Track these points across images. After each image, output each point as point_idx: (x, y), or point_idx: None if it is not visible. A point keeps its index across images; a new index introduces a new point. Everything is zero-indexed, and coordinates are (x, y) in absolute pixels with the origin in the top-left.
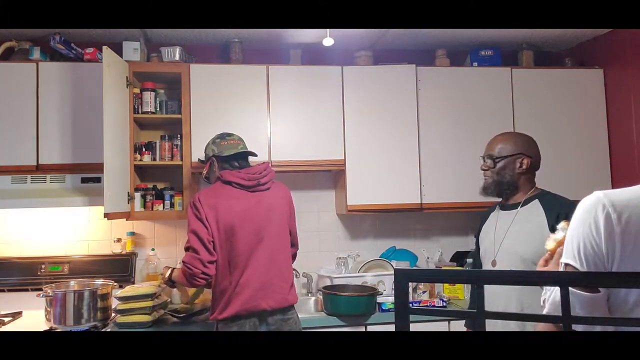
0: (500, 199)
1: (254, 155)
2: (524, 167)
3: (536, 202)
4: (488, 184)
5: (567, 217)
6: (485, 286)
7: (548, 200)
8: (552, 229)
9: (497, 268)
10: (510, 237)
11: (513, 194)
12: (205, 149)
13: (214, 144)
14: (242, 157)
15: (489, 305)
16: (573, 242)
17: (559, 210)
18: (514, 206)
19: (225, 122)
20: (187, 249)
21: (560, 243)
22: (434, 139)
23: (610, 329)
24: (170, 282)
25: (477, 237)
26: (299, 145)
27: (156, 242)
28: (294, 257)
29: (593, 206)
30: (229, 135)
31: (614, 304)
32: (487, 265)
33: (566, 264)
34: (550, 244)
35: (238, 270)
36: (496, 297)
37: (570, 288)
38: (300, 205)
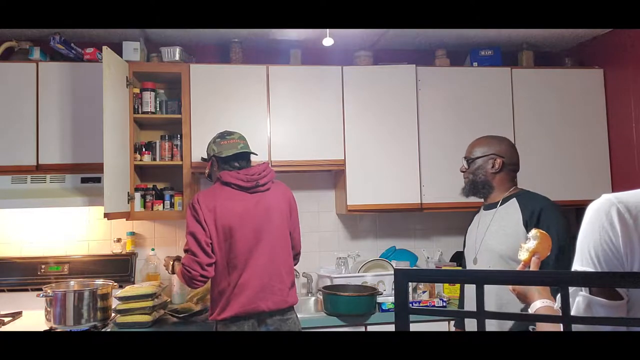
0: (481, 200)
1: (254, 154)
2: (497, 166)
3: (514, 200)
4: (465, 184)
5: (540, 213)
6: (466, 284)
7: (524, 197)
8: (526, 224)
9: (477, 266)
10: (490, 235)
11: (490, 193)
12: (207, 148)
13: (215, 144)
14: (243, 157)
15: (470, 303)
16: (590, 249)
17: (532, 205)
18: (494, 205)
19: (225, 122)
20: (186, 251)
21: (534, 252)
22: (434, 139)
23: (622, 329)
24: (172, 272)
25: (464, 237)
26: (299, 145)
27: (156, 242)
28: (295, 259)
29: (604, 209)
30: (230, 134)
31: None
32: (469, 264)
33: None
34: (523, 255)
35: (237, 271)
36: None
37: (593, 299)
38: (300, 205)
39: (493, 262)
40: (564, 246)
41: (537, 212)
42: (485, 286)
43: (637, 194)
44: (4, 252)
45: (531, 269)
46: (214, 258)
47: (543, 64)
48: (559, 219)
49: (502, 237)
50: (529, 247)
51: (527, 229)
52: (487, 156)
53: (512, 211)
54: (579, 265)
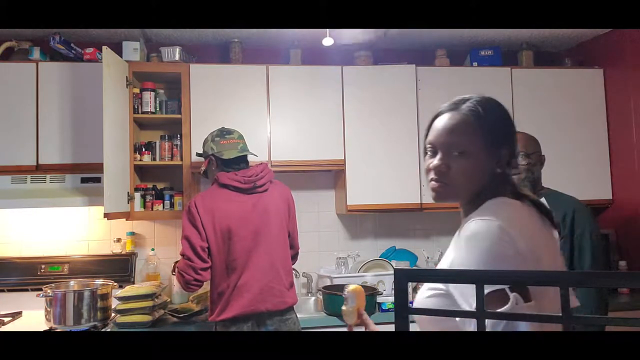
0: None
1: (254, 155)
2: (543, 164)
3: (543, 200)
4: (522, 180)
5: (574, 214)
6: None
7: (553, 197)
8: (558, 226)
9: None
10: None
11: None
12: (204, 145)
13: (214, 142)
14: (243, 159)
15: None
16: None
17: (564, 207)
18: None
19: (225, 122)
20: (182, 255)
21: (358, 309)
22: None
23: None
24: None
25: None
26: (299, 145)
27: (156, 242)
28: (294, 258)
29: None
30: (229, 132)
31: None
32: None
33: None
34: (351, 319)
35: (236, 273)
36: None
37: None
38: (300, 205)
39: None
40: (598, 247)
41: (570, 214)
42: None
43: None
44: (4, 252)
45: (363, 322)
46: (209, 263)
47: (543, 64)
48: (592, 220)
49: None
50: (350, 308)
51: (560, 232)
52: (538, 152)
53: None
54: None
